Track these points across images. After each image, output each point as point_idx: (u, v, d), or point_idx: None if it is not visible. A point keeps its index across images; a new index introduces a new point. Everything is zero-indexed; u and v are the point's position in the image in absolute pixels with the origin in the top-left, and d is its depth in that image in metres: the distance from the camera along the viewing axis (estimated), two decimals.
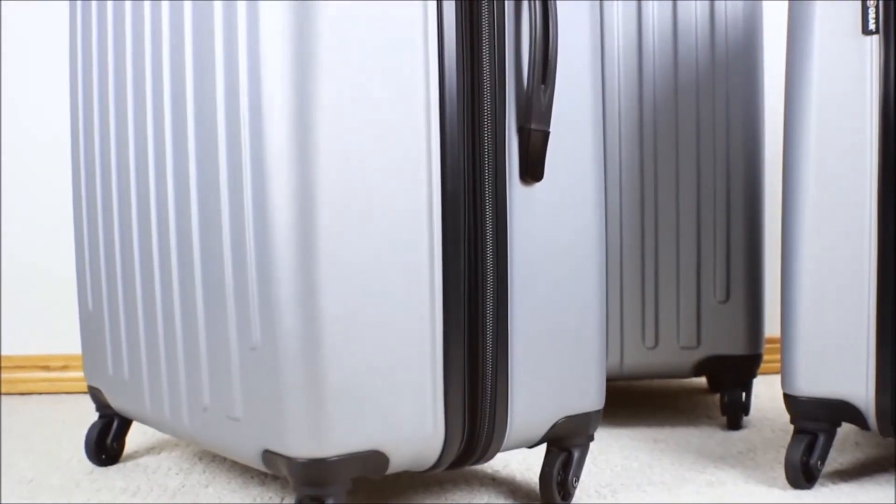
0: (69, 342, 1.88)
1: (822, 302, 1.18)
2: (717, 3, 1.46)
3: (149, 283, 1.17)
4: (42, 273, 1.88)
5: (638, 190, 1.47)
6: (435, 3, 1.01)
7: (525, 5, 1.07)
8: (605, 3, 1.46)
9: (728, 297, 1.49)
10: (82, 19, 1.28)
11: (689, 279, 1.48)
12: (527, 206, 1.07)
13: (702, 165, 1.47)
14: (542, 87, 1.06)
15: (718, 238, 1.48)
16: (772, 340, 1.94)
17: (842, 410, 1.18)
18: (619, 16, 1.46)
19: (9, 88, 1.88)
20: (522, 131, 1.06)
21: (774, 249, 1.90)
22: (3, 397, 1.86)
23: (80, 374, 1.88)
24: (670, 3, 1.46)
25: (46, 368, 1.88)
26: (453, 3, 1.02)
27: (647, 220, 1.47)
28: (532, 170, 1.06)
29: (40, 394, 1.87)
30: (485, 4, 1.04)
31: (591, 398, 1.14)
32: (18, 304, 1.89)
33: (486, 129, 1.04)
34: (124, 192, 1.21)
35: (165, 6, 1.11)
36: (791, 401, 1.21)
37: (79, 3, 1.30)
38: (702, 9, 1.46)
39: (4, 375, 1.88)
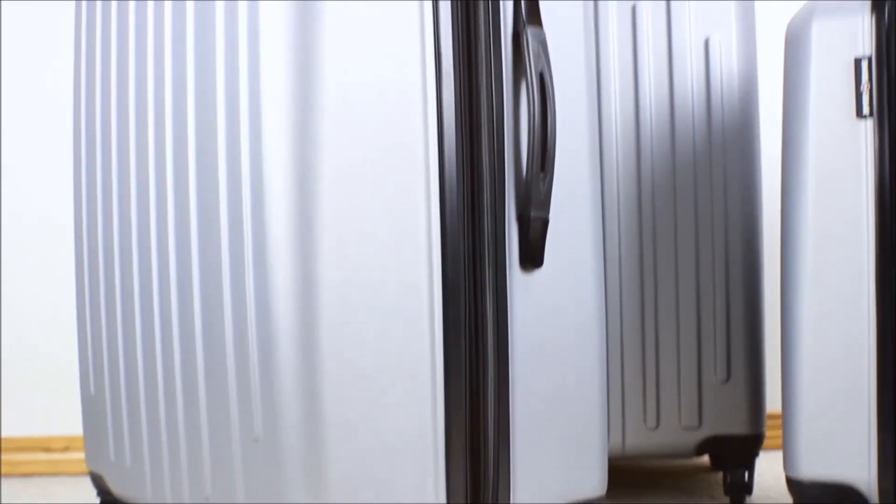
0: (71, 423, 1.88)
1: (823, 386, 1.18)
2: (713, 81, 1.48)
3: (151, 371, 1.18)
4: (43, 354, 1.88)
5: (637, 270, 1.47)
6: (434, 91, 1.03)
7: (523, 90, 1.08)
8: (602, 83, 1.48)
9: (729, 376, 1.49)
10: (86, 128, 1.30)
11: (689, 359, 1.48)
12: (527, 293, 1.08)
13: (700, 244, 1.48)
14: (542, 174, 1.07)
15: (718, 317, 1.48)
16: (773, 416, 1.94)
17: (845, 494, 1.18)
18: (617, 96, 1.48)
19: (9, 172, 1.90)
20: (522, 219, 1.07)
21: (775, 327, 1.90)
22: (3, 479, 1.85)
23: (82, 454, 1.88)
24: (667, 84, 1.48)
25: (48, 450, 1.88)
26: (452, 90, 1.04)
27: (646, 301, 1.48)
28: (532, 257, 1.07)
29: (42, 475, 1.87)
30: (484, 92, 1.05)
31: (594, 483, 1.14)
32: (19, 385, 1.89)
33: (486, 218, 1.05)
34: (127, 277, 1.22)
35: (168, 114, 1.13)
36: (793, 484, 1.20)
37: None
38: (698, 88, 1.48)
39: (5, 457, 1.87)
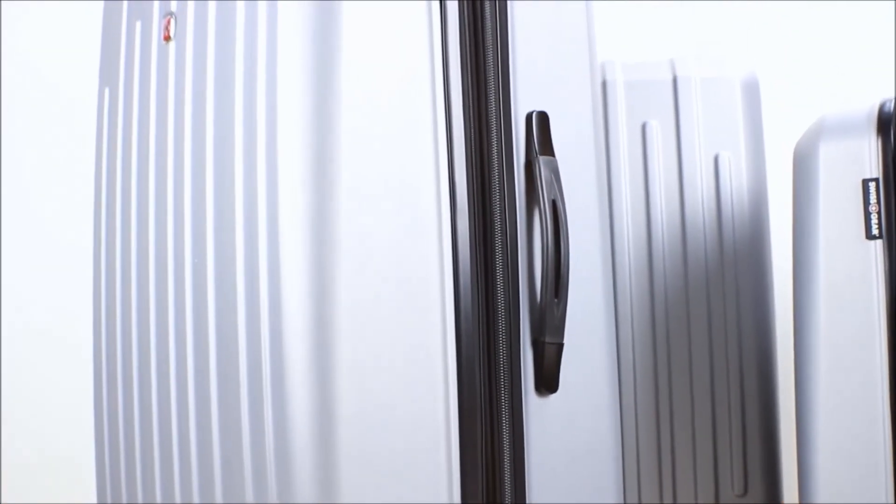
0: None
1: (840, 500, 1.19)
2: (723, 197, 1.50)
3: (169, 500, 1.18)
4: (51, 469, 1.89)
5: (652, 387, 1.48)
6: (449, 220, 1.05)
7: (536, 218, 1.10)
8: (614, 199, 1.50)
9: (746, 489, 1.48)
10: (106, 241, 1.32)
11: (706, 473, 1.48)
12: (542, 418, 1.09)
13: (714, 360, 1.48)
14: (556, 300, 1.08)
15: (734, 432, 1.48)
16: None
17: None
18: (628, 213, 1.50)
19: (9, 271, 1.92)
20: (537, 344, 1.08)
21: (792, 439, 1.89)
22: None
23: None
24: (678, 199, 1.49)
25: None
26: (466, 218, 1.06)
27: (662, 418, 1.48)
28: (547, 382, 1.08)
29: None
30: (497, 220, 1.07)
31: None
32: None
33: (502, 344, 1.06)
34: (146, 403, 1.22)
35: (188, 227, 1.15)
36: None
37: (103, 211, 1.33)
38: (708, 204, 1.50)
39: None
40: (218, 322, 1.09)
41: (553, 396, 1.09)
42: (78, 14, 1.89)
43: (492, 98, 1.07)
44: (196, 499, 1.13)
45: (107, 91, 1.33)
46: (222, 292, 1.08)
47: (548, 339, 1.08)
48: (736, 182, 1.49)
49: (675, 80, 1.51)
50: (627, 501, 1.47)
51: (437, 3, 1.07)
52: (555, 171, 1.09)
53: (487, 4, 1.08)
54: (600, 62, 1.52)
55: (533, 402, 1.08)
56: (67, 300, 1.91)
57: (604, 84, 1.51)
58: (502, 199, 1.07)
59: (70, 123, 1.91)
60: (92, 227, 1.32)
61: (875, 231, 1.17)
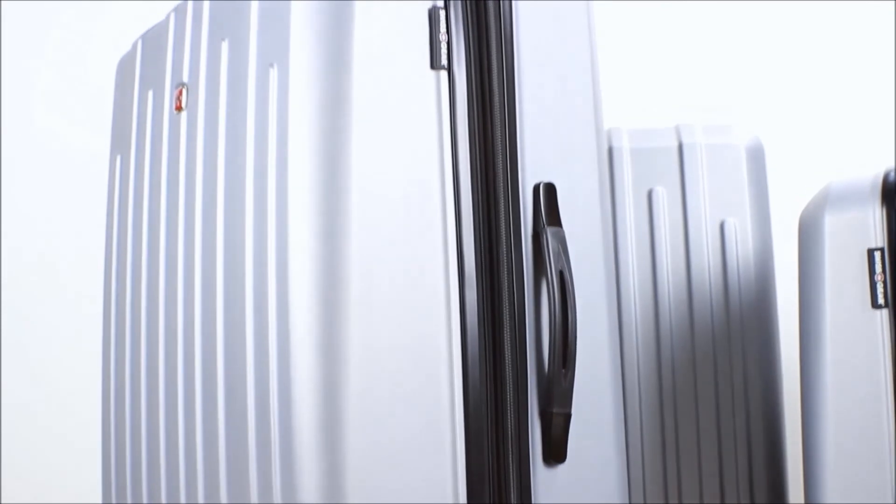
0: None
1: None
2: (729, 262, 1.50)
3: None
4: None
5: (660, 458, 1.48)
6: (458, 292, 1.06)
7: (544, 288, 1.11)
8: (620, 266, 1.50)
9: None
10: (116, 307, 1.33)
11: None
12: (550, 488, 1.09)
13: (722, 426, 1.48)
14: (563, 370, 1.09)
15: (742, 493, 1.48)
16: None
17: None
18: (635, 280, 1.50)
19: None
20: (545, 415, 1.08)
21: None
22: None
23: None
24: (684, 266, 1.50)
25: None
26: (475, 289, 1.06)
27: (670, 488, 1.48)
28: (555, 452, 1.08)
29: None
30: (505, 290, 1.08)
31: None
32: None
33: (510, 414, 1.06)
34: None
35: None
36: None
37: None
38: (714, 270, 1.50)
39: None
40: (227, 377, 1.10)
41: (561, 467, 1.09)
42: (90, 80, 1.91)
43: (500, 170, 1.08)
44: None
45: (118, 158, 1.34)
46: (232, 359, 1.09)
47: (556, 410, 1.08)
48: (742, 248, 1.50)
49: (680, 147, 1.52)
50: None
51: (446, 74, 1.08)
52: (562, 242, 1.10)
53: (496, 77, 1.10)
54: (606, 129, 1.53)
55: (541, 473, 1.08)
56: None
57: (610, 151, 1.52)
58: (510, 269, 1.08)
59: (81, 190, 1.93)
60: (102, 295, 1.34)
61: (881, 300, 1.18)
